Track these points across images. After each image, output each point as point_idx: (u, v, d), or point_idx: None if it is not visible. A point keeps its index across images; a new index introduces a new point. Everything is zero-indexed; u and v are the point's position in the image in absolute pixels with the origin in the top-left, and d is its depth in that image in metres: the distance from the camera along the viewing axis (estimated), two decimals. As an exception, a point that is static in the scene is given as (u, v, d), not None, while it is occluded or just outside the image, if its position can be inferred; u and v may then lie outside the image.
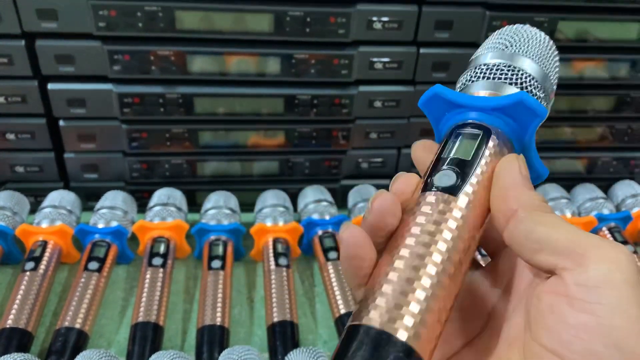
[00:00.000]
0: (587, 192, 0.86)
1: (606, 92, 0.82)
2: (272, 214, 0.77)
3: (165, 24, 0.68)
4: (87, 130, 0.75)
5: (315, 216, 0.77)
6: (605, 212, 0.82)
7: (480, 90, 0.33)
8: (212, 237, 0.74)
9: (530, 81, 0.33)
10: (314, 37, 0.71)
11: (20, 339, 0.60)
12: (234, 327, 0.67)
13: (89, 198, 0.81)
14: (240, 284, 0.75)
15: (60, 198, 0.75)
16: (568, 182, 0.88)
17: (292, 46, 0.72)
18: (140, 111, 0.74)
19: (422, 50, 0.74)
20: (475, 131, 0.31)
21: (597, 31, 0.76)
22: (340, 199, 0.86)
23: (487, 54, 0.34)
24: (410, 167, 0.86)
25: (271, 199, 0.79)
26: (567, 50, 0.76)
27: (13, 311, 0.62)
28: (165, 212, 0.75)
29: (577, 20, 0.74)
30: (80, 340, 0.61)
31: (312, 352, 0.57)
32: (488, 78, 0.33)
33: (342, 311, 0.66)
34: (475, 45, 0.75)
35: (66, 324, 0.61)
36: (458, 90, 0.34)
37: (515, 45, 0.34)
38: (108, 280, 0.69)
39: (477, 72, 0.34)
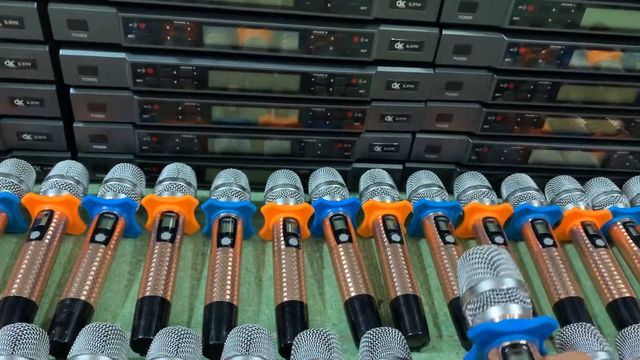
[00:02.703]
0: (601, 186, 0.84)
1: (625, 84, 0.80)
2: (283, 194, 0.75)
3: (182, -7, 0.67)
4: (98, 99, 0.74)
5: (327, 198, 0.76)
6: (620, 206, 0.81)
7: (501, 313, 0.51)
8: (222, 214, 0.72)
9: (521, 295, 0.52)
10: (334, 12, 0.69)
11: (23, 309, 0.58)
12: (242, 306, 0.66)
13: (97, 169, 0.79)
14: (249, 262, 0.73)
15: (67, 168, 0.74)
16: (582, 174, 0.87)
17: (311, 21, 0.70)
18: (153, 82, 0.72)
19: (444, 32, 0.72)
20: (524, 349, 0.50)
21: (620, 21, 0.74)
22: (351, 182, 0.84)
23: (480, 283, 0.53)
24: (424, 153, 0.84)
25: (282, 179, 0.78)
26: (587, 38, 0.75)
27: (17, 280, 0.60)
28: (175, 186, 0.73)
29: (604, 7, 0.72)
30: (85, 313, 0.59)
31: (322, 334, 0.56)
32: (498, 303, 0.51)
33: (353, 294, 0.64)
34: (498, 29, 0.74)
35: (71, 295, 0.60)
36: (470, 310, 0.53)
37: (500, 268, 0.53)
38: (115, 253, 0.68)
39: (486, 300, 0.52)
